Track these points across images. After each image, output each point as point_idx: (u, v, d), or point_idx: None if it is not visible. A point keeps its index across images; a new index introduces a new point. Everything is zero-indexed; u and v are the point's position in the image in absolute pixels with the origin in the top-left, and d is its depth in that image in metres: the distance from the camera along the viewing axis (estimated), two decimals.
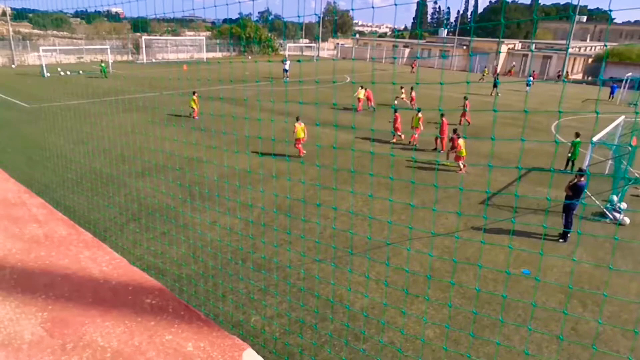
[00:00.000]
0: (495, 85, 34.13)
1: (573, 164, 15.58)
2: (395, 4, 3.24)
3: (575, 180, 10.88)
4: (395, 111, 18.60)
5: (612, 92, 37.27)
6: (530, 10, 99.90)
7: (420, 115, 18.45)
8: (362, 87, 25.01)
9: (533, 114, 26.56)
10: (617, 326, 7.74)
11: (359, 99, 24.82)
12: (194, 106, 21.29)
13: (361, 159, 16.74)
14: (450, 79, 44.03)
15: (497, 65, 53.85)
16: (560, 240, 10.94)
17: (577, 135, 15.44)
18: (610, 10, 2.73)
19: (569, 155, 15.68)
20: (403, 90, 27.44)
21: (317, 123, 19.57)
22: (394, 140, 19.18)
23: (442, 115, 18.19)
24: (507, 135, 21.25)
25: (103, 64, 37.52)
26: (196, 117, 21.36)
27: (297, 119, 16.43)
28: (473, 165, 16.53)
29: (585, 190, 11.69)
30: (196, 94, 21.32)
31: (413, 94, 26.49)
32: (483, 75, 43.90)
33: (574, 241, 10.93)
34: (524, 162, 17.09)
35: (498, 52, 53.12)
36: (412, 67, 53.25)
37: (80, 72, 38.76)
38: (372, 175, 13.77)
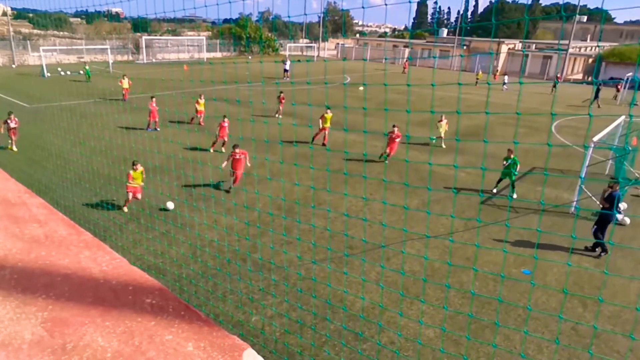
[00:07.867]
0: (596, 97, 31.38)
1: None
2: (386, 4, 3.25)
3: (610, 190, 10.27)
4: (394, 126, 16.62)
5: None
6: (531, 10, 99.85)
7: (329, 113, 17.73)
8: None
9: (533, 115, 26.61)
10: (613, 332, 7.74)
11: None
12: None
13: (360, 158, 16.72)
14: (448, 79, 44.00)
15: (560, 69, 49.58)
16: (603, 254, 10.31)
17: (393, 126, 16.22)
18: (605, 10, 2.73)
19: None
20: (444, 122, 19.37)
21: (310, 125, 19.53)
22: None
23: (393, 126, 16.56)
24: (507, 135, 21.28)
25: (87, 67, 35.02)
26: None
27: None
28: (472, 168, 16.51)
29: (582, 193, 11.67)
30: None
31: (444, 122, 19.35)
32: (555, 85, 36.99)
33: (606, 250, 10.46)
34: (526, 163, 17.07)
35: (490, 54, 52.86)
36: (404, 68, 52.97)
37: (80, 72, 38.69)
38: (365, 177, 13.80)
